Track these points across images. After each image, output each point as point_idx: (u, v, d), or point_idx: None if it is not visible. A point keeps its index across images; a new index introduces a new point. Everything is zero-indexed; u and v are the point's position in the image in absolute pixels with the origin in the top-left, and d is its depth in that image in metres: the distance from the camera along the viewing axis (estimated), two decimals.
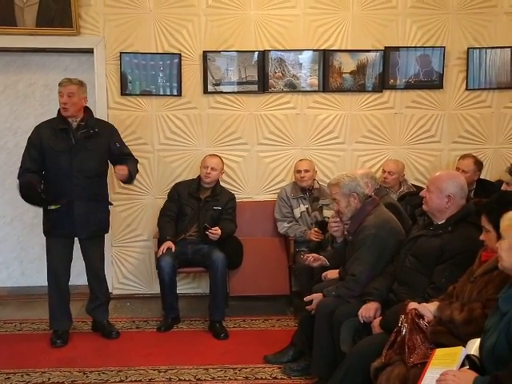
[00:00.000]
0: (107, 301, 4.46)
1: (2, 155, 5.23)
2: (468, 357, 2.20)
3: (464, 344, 2.34)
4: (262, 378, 3.66)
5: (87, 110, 4.18)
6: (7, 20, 4.77)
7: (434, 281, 2.99)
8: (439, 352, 2.30)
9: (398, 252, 3.38)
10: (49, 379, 3.63)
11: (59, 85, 4.09)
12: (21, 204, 5.20)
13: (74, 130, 4.07)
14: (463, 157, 4.88)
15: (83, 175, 4.06)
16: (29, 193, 4.04)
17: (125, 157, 4.30)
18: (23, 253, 5.39)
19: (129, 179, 4.23)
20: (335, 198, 3.59)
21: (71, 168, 4.03)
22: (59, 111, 4.12)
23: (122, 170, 4.11)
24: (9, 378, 3.65)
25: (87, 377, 3.67)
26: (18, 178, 4.12)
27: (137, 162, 4.43)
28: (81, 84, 4.12)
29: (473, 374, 2.10)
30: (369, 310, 3.15)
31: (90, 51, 5.00)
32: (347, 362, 2.95)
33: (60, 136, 4.06)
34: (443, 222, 3.09)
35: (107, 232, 4.44)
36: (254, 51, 5.01)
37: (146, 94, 5.05)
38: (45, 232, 4.22)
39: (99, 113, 4.96)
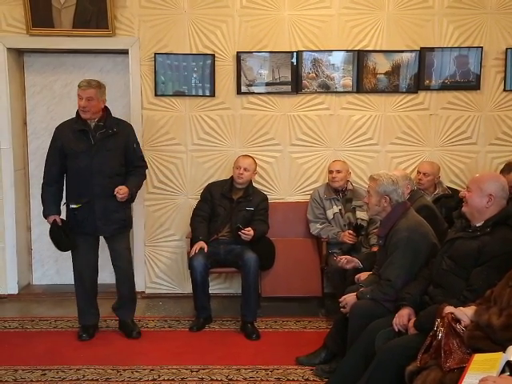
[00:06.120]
0: (132, 300, 4.41)
1: (38, 155, 5.30)
2: (508, 363, 2.15)
3: (502, 349, 2.29)
4: (293, 380, 3.65)
5: (106, 110, 4.19)
6: (45, 21, 4.85)
7: (471, 283, 2.94)
8: (478, 357, 2.26)
9: (431, 255, 3.34)
10: (83, 376, 3.67)
11: (78, 87, 4.07)
12: None
13: (93, 130, 4.09)
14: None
15: (103, 175, 4.08)
16: (55, 238, 4.27)
17: (135, 164, 4.28)
18: (58, 251, 5.42)
19: (129, 200, 4.24)
20: (369, 191, 3.61)
21: (91, 168, 4.06)
22: (77, 113, 4.14)
23: (122, 191, 4.08)
24: (44, 374, 3.71)
25: (121, 375, 3.70)
26: (42, 188, 4.23)
27: (145, 169, 4.41)
28: (99, 86, 4.10)
29: None
30: (402, 317, 3.11)
31: (125, 52, 5.04)
32: (377, 359, 2.93)
33: (79, 137, 4.09)
34: (481, 223, 3.04)
35: (131, 228, 4.47)
36: (288, 52, 5.00)
37: (179, 94, 5.08)
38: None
39: (133, 113, 5.04)
